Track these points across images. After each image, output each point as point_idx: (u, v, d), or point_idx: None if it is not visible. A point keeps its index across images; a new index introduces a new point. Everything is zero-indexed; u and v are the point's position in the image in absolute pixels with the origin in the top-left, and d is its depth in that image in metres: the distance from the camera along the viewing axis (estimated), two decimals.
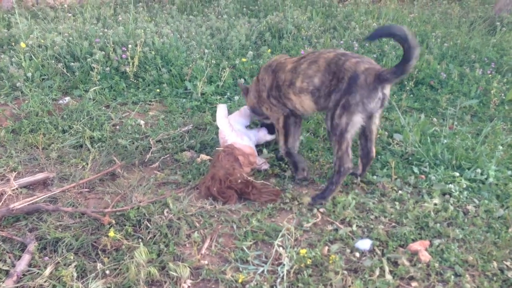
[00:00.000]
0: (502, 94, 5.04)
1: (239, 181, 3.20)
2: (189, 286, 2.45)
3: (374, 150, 3.42)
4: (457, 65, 5.74)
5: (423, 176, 3.51)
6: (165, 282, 2.46)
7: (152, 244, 2.71)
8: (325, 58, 3.18)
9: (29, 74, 4.90)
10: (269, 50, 5.92)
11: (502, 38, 6.76)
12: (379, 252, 2.70)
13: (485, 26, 7.45)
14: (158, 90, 5.02)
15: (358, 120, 3.08)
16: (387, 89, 3.09)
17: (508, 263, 2.63)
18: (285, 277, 2.48)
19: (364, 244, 2.75)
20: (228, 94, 5.06)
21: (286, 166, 3.64)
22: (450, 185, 3.34)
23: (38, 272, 2.47)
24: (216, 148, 3.52)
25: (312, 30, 6.58)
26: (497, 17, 7.65)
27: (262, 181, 3.37)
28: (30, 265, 2.53)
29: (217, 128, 3.76)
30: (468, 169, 3.55)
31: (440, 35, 6.63)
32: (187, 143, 3.93)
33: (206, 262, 2.62)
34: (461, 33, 6.82)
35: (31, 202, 2.99)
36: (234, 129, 3.66)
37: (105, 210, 2.93)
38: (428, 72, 5.45)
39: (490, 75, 5.45)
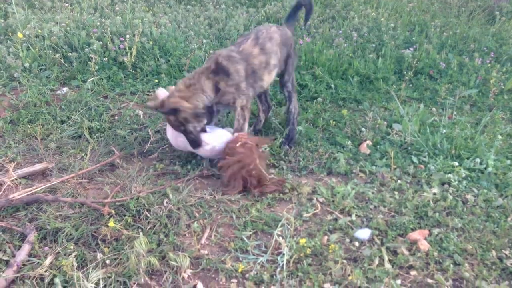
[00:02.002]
0: (501, 84, 5.04)
1: (254, 172, 3.12)
2: (189, 276, 2.46)
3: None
4: (456, 54, 5.72)
5: (422, 166, 3.51)
6: (165, 271, 2.47)
7: (152, 234, 2.72)
8: (275, 32, 3.70)
9: (27, 65, 4.87)
10: None
11: (501, 27, 6.73)
12: (378, 242, 2.71)
13: (484, 16, 7.42)
14: (156, 80, 4.99)
15: None
16: None
17: (507, 252, 2.64)
18: (284, 267, 2.49)
19: (364, 233, 2.76)
20: None
21: (285, 156, 3.64)
22: (449, 174, 3.34)
23: (38, 262, 2.48)
24: (228, 144, 3.37)
25: (311, 20, 6.53)
26: (496, 6, 7.62)
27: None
28: (30, 255, 2.53)
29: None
30: (467, 158, 3.55)
31: (439, 25, 6.60)
32: None
33: (206, 252, 2.63)
34: (460, 23, 6.79)
35: (30, 192, 2.99)
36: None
37: (104, 201, 2.93)
38: (427, 61, 5.43)
39: (489, 65, 5.44)
